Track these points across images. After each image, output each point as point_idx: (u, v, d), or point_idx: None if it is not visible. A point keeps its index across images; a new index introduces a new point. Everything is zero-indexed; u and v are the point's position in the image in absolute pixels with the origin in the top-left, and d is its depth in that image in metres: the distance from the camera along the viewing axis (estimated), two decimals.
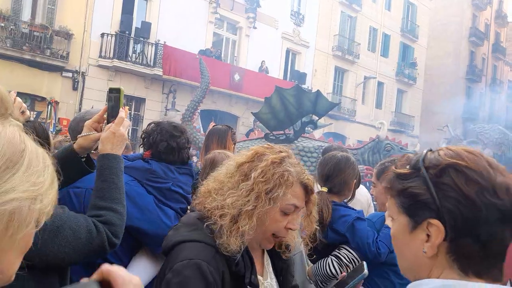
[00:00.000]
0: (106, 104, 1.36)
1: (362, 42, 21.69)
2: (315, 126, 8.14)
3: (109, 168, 1.27)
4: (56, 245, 1.08)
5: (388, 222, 0.84)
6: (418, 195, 0.71)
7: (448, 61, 27.20)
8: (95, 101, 12.66)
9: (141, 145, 2.06)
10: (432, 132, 20.45)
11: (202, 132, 11.08)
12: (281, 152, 1.17)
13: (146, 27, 13.89)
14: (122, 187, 1.30)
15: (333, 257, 1.97)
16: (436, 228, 0.68)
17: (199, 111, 11.85)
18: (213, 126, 3.12)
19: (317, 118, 7.98)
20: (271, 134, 7.61)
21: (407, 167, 0.75)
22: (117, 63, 13.11)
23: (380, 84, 22.89)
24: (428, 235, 0.70)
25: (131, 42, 13.87)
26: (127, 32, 13.56)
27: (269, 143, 1.22)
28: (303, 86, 17.06)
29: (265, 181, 1.10)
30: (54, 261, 1.10)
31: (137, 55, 13.84)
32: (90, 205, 1.26)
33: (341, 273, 1.85)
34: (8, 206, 0.48)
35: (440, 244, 0.68)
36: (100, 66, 13.20)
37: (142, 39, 13.94)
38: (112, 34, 13.17)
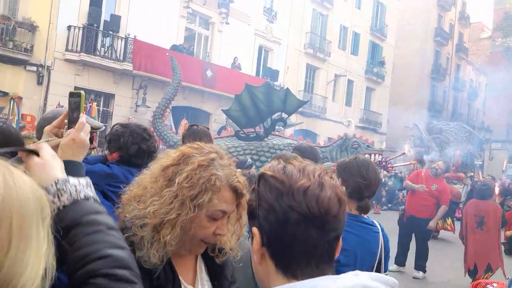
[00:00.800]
0: (67, 109, 1.34)
1: (333, 40, 22.08)
2: (285, 124, 8.26)
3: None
4: None
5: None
6: (251, 206, 0.76)
7: (414, 60, 28.15)
8: (61, 96, 12.26)
9: (107, 148, 2.06)
10: (399, 129, 21.15)
11: (173, 129, 10.98)
12: (211, 153, 1.09)
13: (115, 20, 13.54)
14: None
15: None
16: (254, 233, 0.73)
17: (170, 107, 11.74)
18: (190, 126, 3.06)
19: (287, 116, 8.11)
20: (242, 131, 7.67)
21: None
22: (84, 57, 12.74)
23: (350, 82, 23.42)
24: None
25: (100, 35, 13.50)
26: (95, 25, 13.17)
27: (199, 143, 1.14)
28: (275, 83, 17.21)
29: (190, 186, 1.02)
30: None
31: (106, 49, 13.48)
32: None
33: None
34: None
35: (262, 250, 0.72)
36: (66, 60, 12.77)
37: (111, 32, 13.58)
38: (79, 27, 12.76)
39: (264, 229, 0.71)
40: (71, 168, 1.25)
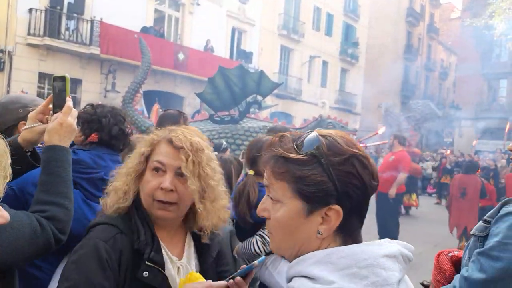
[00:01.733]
0: (51, 94, 1.29)
1: (307, 21, 21.93)
2: (260, 107, 8.16)
3: (55, 161, 1.21)
4: None
5: (268, 204, 0.80)
6: (320, 183, 0.72)
7: (387, 40, 28.45)
8: (25, 82, 11.68)
9: (80, 130, 1.92)
10: (373, 109, 21.47)
11: (145, 114, 10.69)
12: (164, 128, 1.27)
13: (79, 2, 12.89)
14: (69, 180, 1.24)
15: (257, 237, 2.07)
16: (335, 212, 0.73)
17: (141, 92, 11.38)
18: (164, 111, 2.96)
19: (261, 98, 8.00)
20: (216, 115, 7.53)
21: (302, 151, 0.74)
22: (48, 41, 12.11)
23: (324, 63, 23.45)
24: (322, 218, 0.74)
25: (63, 18, 12.85)
26: (58, 7, 12.51)
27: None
28: (250, 65, 16.99)
29: (142, 146, 1.21)
30: None
31: (70, 33, 12.87)
32: (33, 200, 1.19)
33: (265, 251, 1.92)
34: None
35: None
36: (29, 44, 12.12)
37: (75, 15, 12.95)
38: (41, 10, 12.09)
39: (347, 206, 0.74)
40: (57, 154, 1.22)
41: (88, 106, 1.88)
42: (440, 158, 14.84)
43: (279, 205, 0.77)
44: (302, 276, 0.73)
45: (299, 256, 0.76)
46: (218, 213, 1.24)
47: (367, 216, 0.80)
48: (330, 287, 0.68)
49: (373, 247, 0.74)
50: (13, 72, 11.94)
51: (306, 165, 0.73)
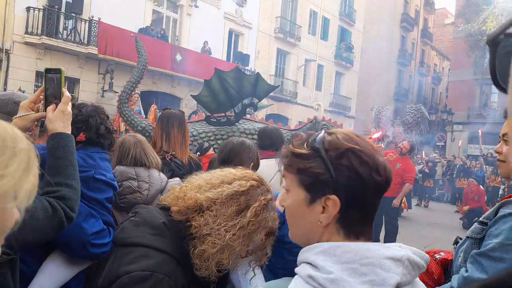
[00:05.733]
0: (43, 85, 1.37)
1: (303, 25, 22.12)
2: (256, 108, 8.27)
3: (62, 146, 1.30)
4: (15, 230, 1.09)
5: (281, 195, 0.92)
6: (318, 174, 0.79)
7: (381, 45, 28.71)
8: (22, 81, 11.71)
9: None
10: (367, 113, 21.63)
11: (142, 114, 10.76)
12: (268, 191, 1.25)
13: (77, 2, 12.95)
14: (76, 163, 1.34)
15: None
16: (333, 202, 0.78)
17: (139, 92, 11.44)
18: (163, 109, 2.97)
19: (257, 100, 8.12)
20: (212, 116, 7.63)
21: (305, 147, 0.83)
22: (46, 40, 12.13)
23: (320, 67, 23.64)
24: (323, 207, 0.80)
25: (61, 17, 12.89)
26: (56, 6, 12.53)
27: (258, 176, 1.28)
28: (246, 68, 17.11)
29: (257, 222, 1.16)
30: (15, 245, 1.10)
31: (68, 32, 12.91)
32: (44, 182, 1.26)
33: None
34: None
35: (337, 214, 0.80)
36: (26, 43, 12.14)
37: (74, 14, 13.00)
38: (39, 8, 12.12)
39: (345, 197, 0.78)
40: (63, 140, 1.31)
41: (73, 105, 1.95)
42: (426, 162, 15.17)
43: (289, 194, 0.86)
44: (307, 263, 0.78)
45: (308, 244, 0.83)
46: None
47: None
48: (328, 276, 0.72)
49: (380, 247, 0.77)
50: (11, 70, 11.95)
51: (308, 158, 0.81)
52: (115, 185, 1.87)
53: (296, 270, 0.79)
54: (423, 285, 0.84)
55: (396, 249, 0.78)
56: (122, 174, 2.18)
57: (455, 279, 1.29)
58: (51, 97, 1.33)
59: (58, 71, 1.34)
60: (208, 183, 1.22)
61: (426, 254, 0.81)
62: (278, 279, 0.87)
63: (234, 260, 1.19)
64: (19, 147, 0.63)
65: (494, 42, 0.61)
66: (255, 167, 2.27)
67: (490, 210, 1.31)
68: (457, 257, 1.36)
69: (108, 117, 1.93)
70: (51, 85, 1.33)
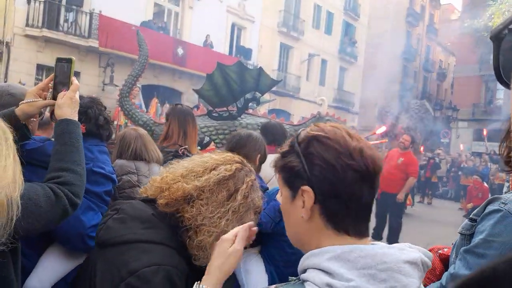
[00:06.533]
0: (53, 73, 1.40)
1: (307, 19, 21.90)
2: (258, 103, 8.16)
3: (69, 133, 1.31)
4: (19, 218, 1.05)
5: (278, 196, 0.92)
6: (293, 167, 0.79)
7: (386, 40, 28.45)
8: (23, 73, 11.62)
9: None
10: (370, 108, 21.49)
11: (143, 108, 10.66)
12: (251, 171, 1.25)
13: None
14: (82, 150, 1.35)
15: None
16: (308, 193, 0.76)
17: (140, 86, 11.33)
18: (175, 105, 2.94)
19: (260, 95, 8.01)
20: (214, 111, 7.53)
21: (287, 145, 0.84)
22: (46, 32, 12.04)
23: (323, 62, 23.44)
24: (303, 202, 0.77)
25: (62, 10, 12.77)
26: None
27: (239, 157, 1.27)
28: (249, 62, 16.96)
29: (246, 204, 1.16)
30: (21, 234, 1.09)
31: (69, 25, 12.80)
32: (49, 168, 1.28)
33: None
34: None
35: (313, 207, 0.76)
36: (27, 35, 12.06)
37: (74, 7, 12.88)
38: (40, 1, 12.01)
39: (318, 187, 0.75)
40: (70, 126, 1.31)
41: None
42: (428, 159, 15.03)
43: (281, 194, 0.87)
44: (318, 269, 0.73)
45: (301, 244, 0.81)
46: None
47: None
48: (348, 284, 0.68)
49: (394, 250, 0.74)
50: (11, 63, 11.88)
51: (286, 155, 0.81)
52: (114, 179, 1.88)
53: (306, 276, 0.74)
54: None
55: (410, 251, 0.76)
56: (122, 168, 2.21)
57: (444, 276, 1.31)
58: (60, 85, 1.36)
59: (69, 60, 1.37)
60: (191, 171, 1.19)
61: (430, 252, 0.80)
62: (286, 283, 0.82)
63: None
64: (10, 138, 0.67)
65: (498, 37, 0.63)
66: (262, 159, 2.29)
67: (479, 207, 1.31)
68: (452, 254, 1.39)
69: (105, 108, 1.94)
70: (61, 73, 1.36)
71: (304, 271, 0.76)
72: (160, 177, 1.22)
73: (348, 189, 0.74)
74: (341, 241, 0.75)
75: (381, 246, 0.75)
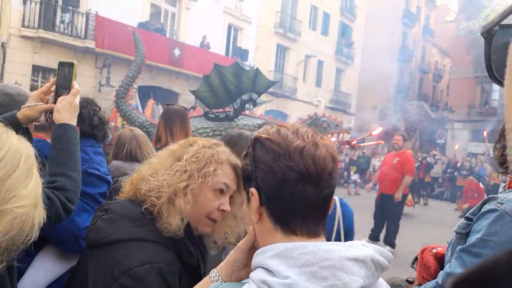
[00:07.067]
0: (55, 77, 1.40)
1: (303, 20, 21.93)
2: (255, 104, 8.17)
3: (65, 137, 1.31)
4: None
5: None
6: (245, 170, 0.80)
7: (383, 41, 28.54)
8: (19, 75, 11.56)
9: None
10: (367, 110, 21.53)
11: (139, 109, 10.63)
12: (212, 141, 1.25)
13: None
14: (78, 155, 1.35)
15: None
16: (253, 195, 0.76)
17: (136, 87, 11.30)
18: (166, 105, 2.93)
19: (256, 96, 8.01)
20: (211, 112, 7.53)
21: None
22: (42, 33, 11.99)
23: (320, 63, 23.47)
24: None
25: (58, 10, 12.73)
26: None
27: (206, 140, 1.27)
28: (245, 63, 16.96)
29: (197, 161, 1.14)
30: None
31: (65, 26, 12.75)
32: (43, 174, 1.25)
33: None
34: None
35: (261, 209, 0.77)
36: (23, 36, 11.99)
37: (70, 8, 12.84)
38: (36, 1, 11.96)
39: (263, 190, 0.75)
40: (68, 131, 1.31)
41: None
42: (421, 160, 15.10)
43: None
44: (261, 267, 0.72)
45: (258, 246, 0.79)
46: (239, 229, 1.29)
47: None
48: (284, 282, 0.66)
49: (341, 247, 0.71)
50: (7, 64, 11.81)
51: (244, 158, 0.82)
52: (109, 180, 1.86)
53: (250, 275, 0.74)
54: (386, 284, 0.80)
55: (360, 248, 0.73)
56: (118, 170, 2.19)
57: (440, 275, 1.32)
58: (61, 88, 1.37)
59: (71, 64, 1.37)
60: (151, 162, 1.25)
61: (390, 253, 0.77)
62: (233, 282, 0.83)
63: (224, 240, 1.23)
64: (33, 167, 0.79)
65: (489, 34, 0.63)
66: None
67: (475, 206, 1.32)
68: (447, 252, 1.40)
69: (100, 108, 1.92)
70: (63, 77, 1.37)
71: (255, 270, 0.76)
72: (130, 180, 1.25)
73: (290, 190, 0.73)
74: (287, 241, 0.73)
75: (327, 243, 0.72)
